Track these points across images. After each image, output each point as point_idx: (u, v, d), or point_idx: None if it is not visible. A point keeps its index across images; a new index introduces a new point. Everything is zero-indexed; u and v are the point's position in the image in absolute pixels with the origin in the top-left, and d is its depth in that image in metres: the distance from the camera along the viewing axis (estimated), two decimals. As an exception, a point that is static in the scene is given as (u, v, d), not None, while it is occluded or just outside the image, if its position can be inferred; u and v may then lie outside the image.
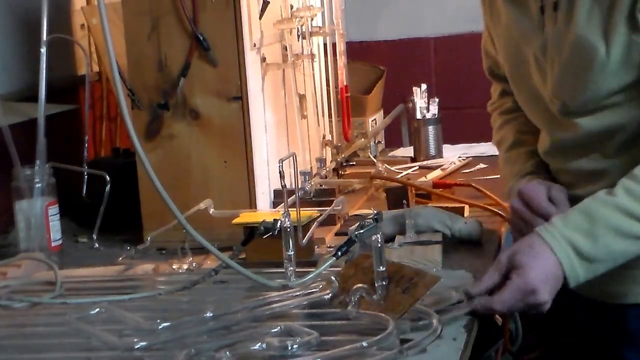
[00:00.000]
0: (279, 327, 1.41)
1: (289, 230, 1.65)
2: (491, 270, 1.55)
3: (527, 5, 1.70)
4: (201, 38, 1.99)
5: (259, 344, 1.34)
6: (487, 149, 2.89)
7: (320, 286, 1.57)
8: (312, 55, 2.37)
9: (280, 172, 1.67)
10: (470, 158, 2.77)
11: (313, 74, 2.41)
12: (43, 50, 2.06)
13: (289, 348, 1.33)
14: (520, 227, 1.72)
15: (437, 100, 2.82)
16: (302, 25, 2.30)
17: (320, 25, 2.46)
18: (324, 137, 2.49)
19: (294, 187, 1.90)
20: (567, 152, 1.72)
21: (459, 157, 2.77)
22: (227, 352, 1.32)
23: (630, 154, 1.63)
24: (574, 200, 1.64)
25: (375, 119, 2.94)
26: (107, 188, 2.09)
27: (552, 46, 1.65)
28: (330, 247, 1.93)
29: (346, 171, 2.60)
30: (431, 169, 2.67)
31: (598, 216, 1.54)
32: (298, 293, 1.56)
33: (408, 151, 2.90)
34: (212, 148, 2.03)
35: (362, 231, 1.58)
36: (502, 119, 1.94)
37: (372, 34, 3.61)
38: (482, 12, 1.86)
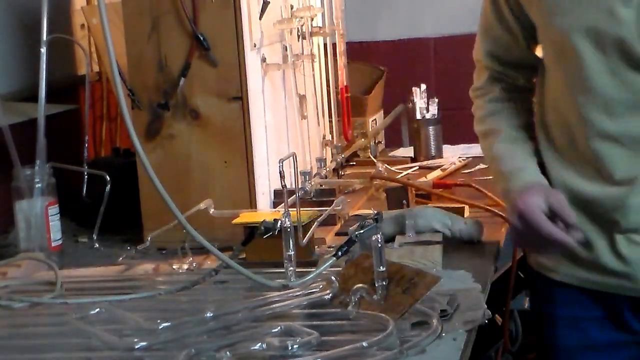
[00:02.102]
0: (279, 327, 1.41)
1: (289, 230, 1.65)
2: None
3: None
4: (201, 38, 1.99)
5: (259, 344, 1.34)
6: (487, 149, 2.89)
7: (321, 286, 1.57)
8: (312, 56, 2.37)
9: (280, 172, 1.67)
10: (470, 158, 2.77)
11: (313, 74, 2.41)
12: (43, 50, 2.06)
13: (289, 348, 1.33)
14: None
15: (437, 100, 2.82)
16: (302, 26, 2.30)
17: (320, 25, 2.46)
18: (324, 137, 2.49)
19: (294, 187, 1.90)
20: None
21: (459, 157, 2.77)
22: (227, 352, 1.32)
23: None
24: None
25: (375, 119, 2.94)
26: (107, 188, 2.09)
27: None
28: (330, 247, 1.93)
29: (346, 171, 2.60)
30: (431, 169, 2.67)
31: None
32: (298, 293, 1.56)
33: (408, 151, 2.90)
34: (212, 148, 2.03)
35: (362, 231, 1.58)
36: (490, 107, 1.85)
37: (372, 34, 3.60)
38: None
